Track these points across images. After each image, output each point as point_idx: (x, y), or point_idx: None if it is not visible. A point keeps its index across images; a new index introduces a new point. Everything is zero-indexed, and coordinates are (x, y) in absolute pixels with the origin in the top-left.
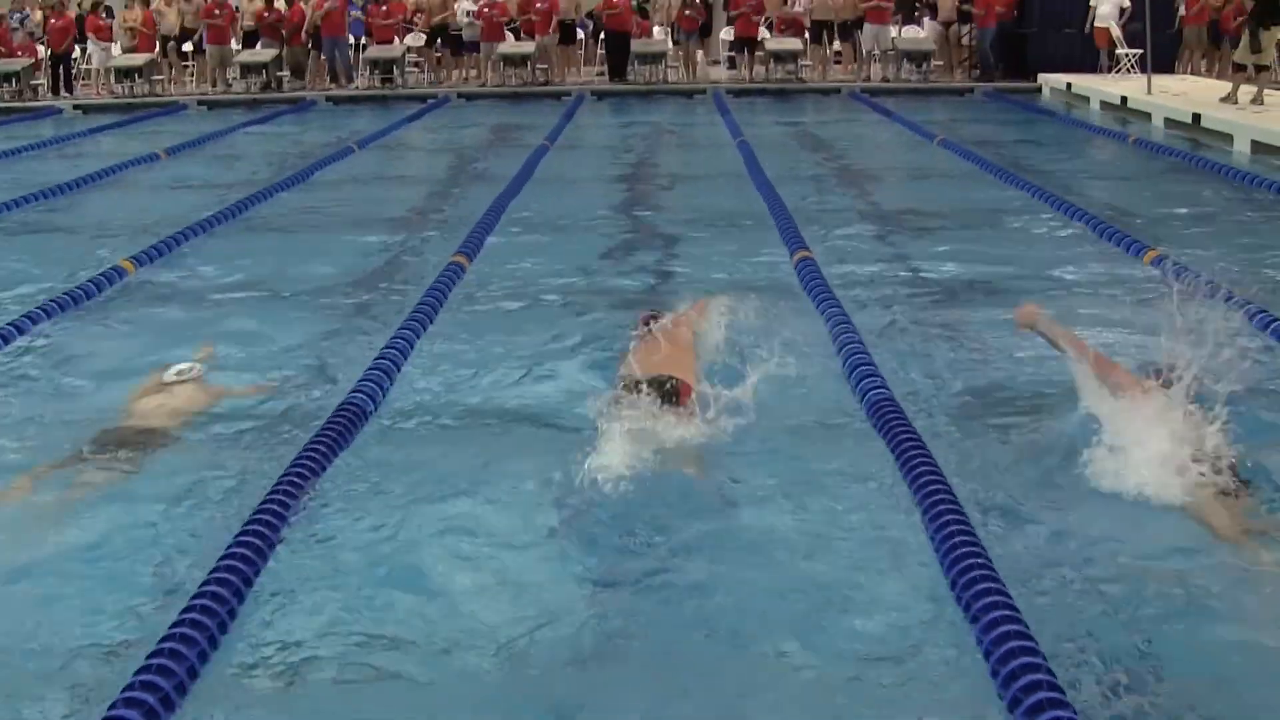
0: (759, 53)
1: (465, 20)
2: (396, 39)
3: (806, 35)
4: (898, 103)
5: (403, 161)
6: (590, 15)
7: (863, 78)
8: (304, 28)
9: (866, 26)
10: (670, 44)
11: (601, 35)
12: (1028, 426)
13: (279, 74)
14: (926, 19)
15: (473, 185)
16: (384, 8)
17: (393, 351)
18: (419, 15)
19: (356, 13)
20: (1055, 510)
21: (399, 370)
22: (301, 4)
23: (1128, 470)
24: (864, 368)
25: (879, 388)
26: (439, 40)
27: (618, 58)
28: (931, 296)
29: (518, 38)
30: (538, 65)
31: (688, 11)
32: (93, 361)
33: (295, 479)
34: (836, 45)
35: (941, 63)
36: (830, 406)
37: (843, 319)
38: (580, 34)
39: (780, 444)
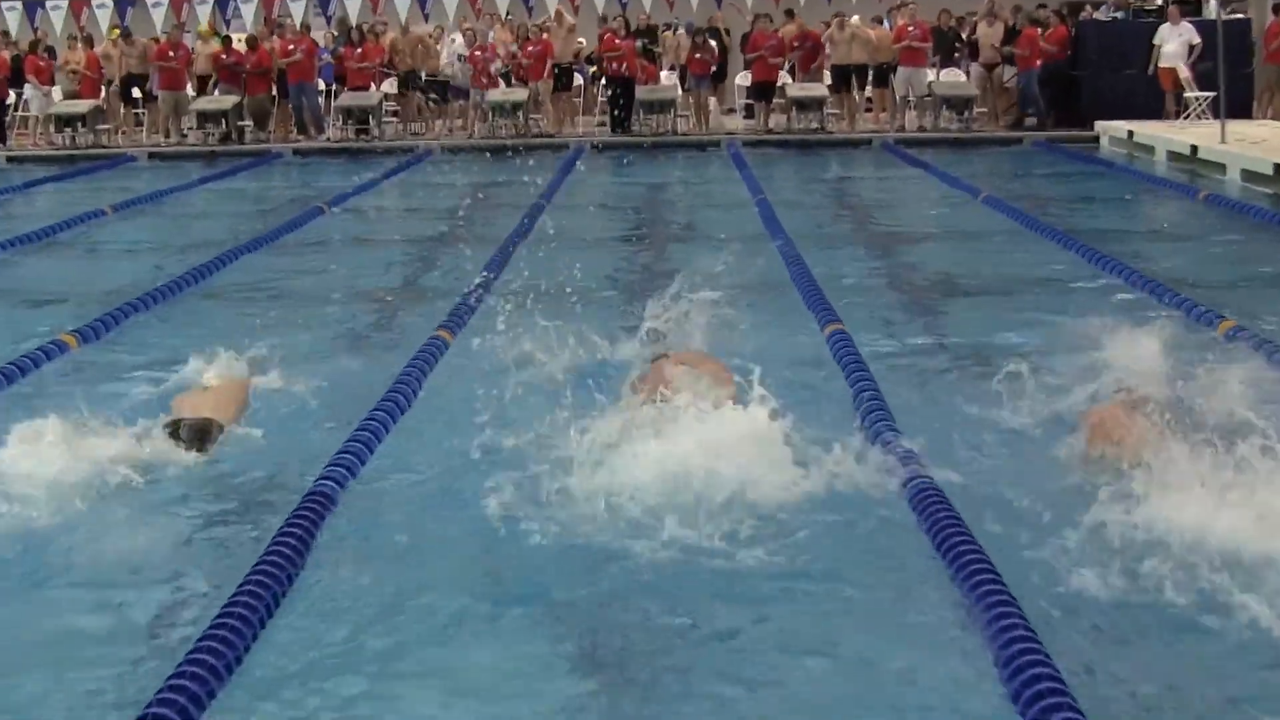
0: (779, 100)
1: (454, 64)
2: (373, 85)
3: (826, 75)
4: (936, 155)
5: (379, 223)
6: (590, 59)
7: (896, 127)
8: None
9: (900, 70)
10: (680, 90)
11: (602, 81)
12: (1077, 519)
13: (240, 123)
14: (968, 61)
15: (458, 250)
16: (359, 50)
17: (364, 434)
18: (397, 58)
19: (327, 56)
20: (1109, 592)
21: (369, 456)
22: (265, 45)
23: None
24: (903, 453)
25: (920, 476)
26: (413, 86)
27: (621, 106)
28: (977, 374)
29: (508, 84)
30: (531, 115)
31: (699, 54)
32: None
33: (256, 584)
34: (867, 91)
35: (985, 109)
36: (867, 496)
37: (877, 400)
38: (579, 79)
39: (815, 535)
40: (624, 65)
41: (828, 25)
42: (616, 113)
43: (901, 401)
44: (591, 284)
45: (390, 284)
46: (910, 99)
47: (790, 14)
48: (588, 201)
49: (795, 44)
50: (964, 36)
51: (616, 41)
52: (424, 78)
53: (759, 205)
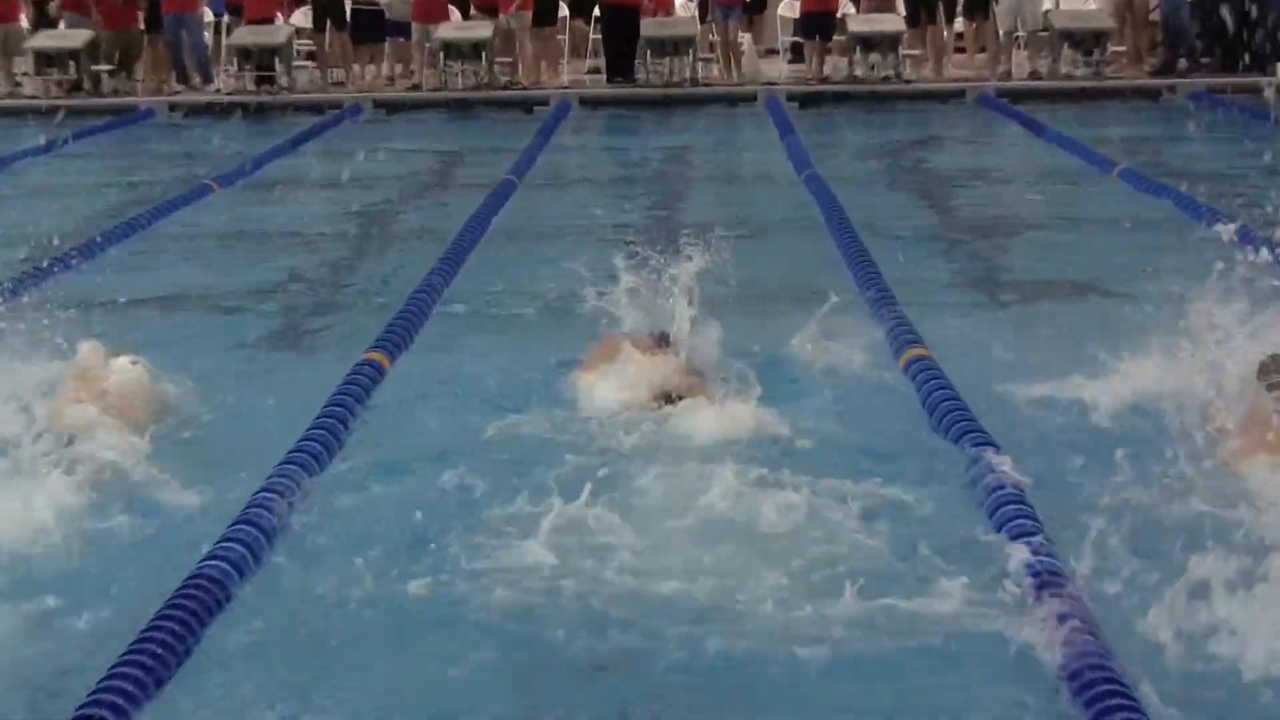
0: (839, 37)
1: None
2: (279, 16)
3: (901, 2)
4: (1054, 111)
5: (289, 206)
6: None
7: (999, 73)
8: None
9: None
10: (700, 24)
11: (595, 12)
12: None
13: (96, 69)
14: None
15: (395, 246)
16: None
17: (270, 497)
18: None
19: None
20: None
21: (275, 526)
22: None
23: None
24: (1022, 523)
25: (1044, 553)
26: (335, 18)
27: (621, 47)
28: (1120, 418)
29: (466, 15)
30: (498, 59)
31: None
32: None
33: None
34: (958, 24)
35: (1124, 48)
36: (971, 576)
37: (974, 431)
38: (564, 10)
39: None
40: None
41: None
42: (615, 56)
43: (1007, 447)
44: (575, 294)
45: (304, 291)
46: (1019, 34)
47: None
48: (574, 178)
49: None
50: None
51: None
52: (350, 6)
53: (809, 183)
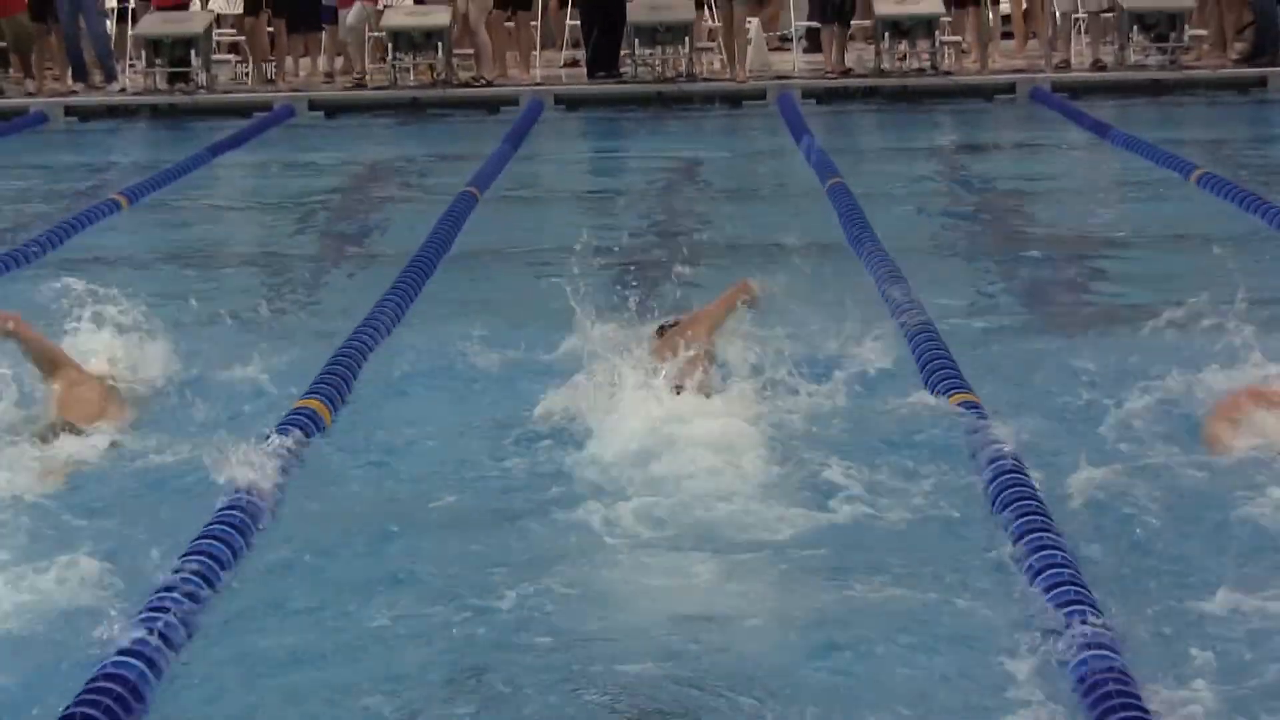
0: (864, 21)
1: None
2: (196, 2)
3: None
4: (1120, 109)
5: (209, 228)
6: None
7: (1055, 63)
8: None
9: None
10: (697, 8)
11: None
12: None
13: None
14: None
15: (338, 273)
16: None
17: (170, 604)
18: None
19: None
20: None
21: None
22: None
23: None
24: (1100, 656)
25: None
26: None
27: (604, 35)
28: (1203, 476)
29: (419, 0)
30: (457, 50)
31: None
32: None
33: None
34: (1005, 6)
35: (1204, 32)
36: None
37: (1043, 527)
38: None
39: None
40: None
41: None
42: (597, 46)
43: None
44: (548, 332)
45: (226, 328)
46: (1078, 16)
47: None
48: (547, 192)
49: None
50: None
51: None
52: None
53: (833, 194)
